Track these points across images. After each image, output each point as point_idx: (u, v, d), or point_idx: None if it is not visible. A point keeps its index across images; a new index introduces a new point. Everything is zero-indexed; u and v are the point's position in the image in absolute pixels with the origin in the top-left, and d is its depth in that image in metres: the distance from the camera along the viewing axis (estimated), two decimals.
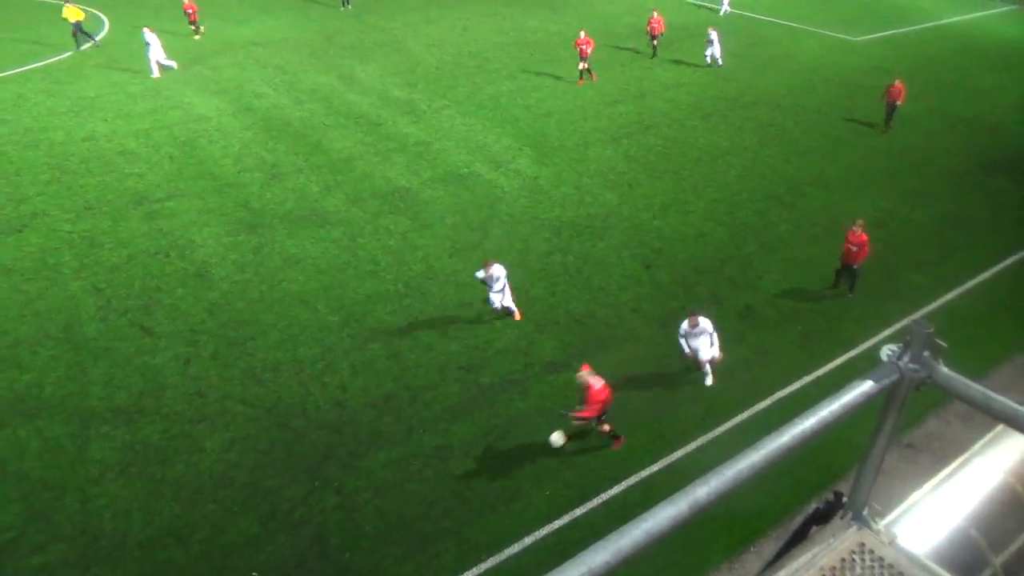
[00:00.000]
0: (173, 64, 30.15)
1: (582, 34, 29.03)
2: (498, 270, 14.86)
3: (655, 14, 32.55)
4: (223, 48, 33.20)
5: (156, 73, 29.31)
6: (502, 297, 15.12)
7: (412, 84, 29.10)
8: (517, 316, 15.56)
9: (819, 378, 14.06)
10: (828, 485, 10.74)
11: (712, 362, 13.64)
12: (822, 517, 3.96)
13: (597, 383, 11.71)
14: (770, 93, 28.66)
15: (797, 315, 15.94)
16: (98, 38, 33.76)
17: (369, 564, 10.48)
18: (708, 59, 31.03)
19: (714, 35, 30.79)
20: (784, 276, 17.27)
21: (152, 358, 14.40)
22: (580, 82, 29.07)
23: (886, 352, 3.08)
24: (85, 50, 32.24)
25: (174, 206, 19.96)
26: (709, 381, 13.81)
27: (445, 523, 11.08)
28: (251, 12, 39.32)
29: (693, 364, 13.83)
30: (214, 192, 20.76)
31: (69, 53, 31.83)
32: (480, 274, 15.00)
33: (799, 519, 3.96)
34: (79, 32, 32.18)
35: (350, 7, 40.22)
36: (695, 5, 42.33)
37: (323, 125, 25.24)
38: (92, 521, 11.11)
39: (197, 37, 34.44)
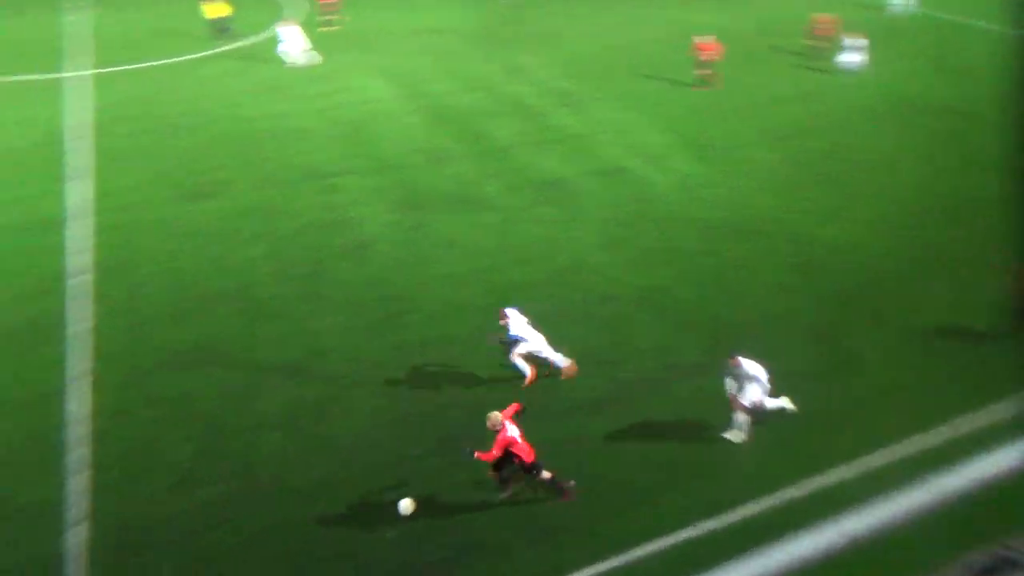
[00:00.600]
0: (305, 56, 30.66)
1: (706, 39, 27.77)
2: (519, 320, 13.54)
3: (823, 16, 30.65)
4: (393, 36, 34.76)
5: (299, 62, 30.43)
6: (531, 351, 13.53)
7: (571, 76, 29.27)
8: (568, 367, 13.66)
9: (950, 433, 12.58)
10: (992, 535, 9.95)
11: (750, 410, 12.21)
12: (987, 573, 3.50)
13: (511, 429, 11.00)
14: (955, 99, 26.48)
15: (954, 352, 14.47)
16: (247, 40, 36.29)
17: (496, 542, 10.79)
18: (842, 64, 28.73)
19: (855, 42, 28.61)
20: (952, 304, 15.76)
21: (316, 322, 15.51)
22: (694, 88, 27.59)
23: None
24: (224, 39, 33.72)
25: (342, 183, 21.29)
26: (730, 434, 12.30)
27: (570, 514, 11.17)
28: (420, 1, 40.85)
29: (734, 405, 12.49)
30: (379, 172, 21.93)
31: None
32: (512, 332, 13.42)
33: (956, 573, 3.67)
34: (221, 28, 33.24)
35: None
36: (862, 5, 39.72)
37: (485, 113, 25.95)
38: (254, 465, 12.15)
39: (328, 28, 34.43)
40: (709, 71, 27.53)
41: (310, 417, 13.07)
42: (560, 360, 13.66)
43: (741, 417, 12.22)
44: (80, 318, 15.58)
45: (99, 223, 19.12)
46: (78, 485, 11.69)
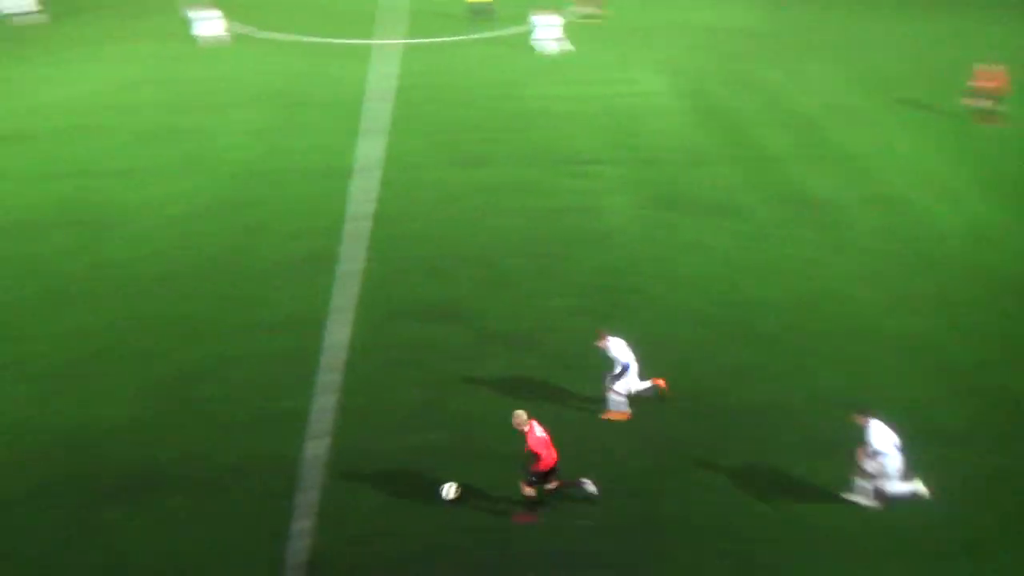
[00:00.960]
0: (559, 45, 31.47)
1: (993, 68, 23.54)
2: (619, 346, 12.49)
3: None
4: (663, 31, 34.34)
5: (553, 51, 31.35)
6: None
7: (862, 91, 27.01)
8: (662, 385, 12.82)
9: None
10: None
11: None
12: None
13: (538, 430, 10.64)
14: None
15: None
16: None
17: (688, 556, 10.44)
18: None
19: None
20: None
21: (548, 300, 15.99)
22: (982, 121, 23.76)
23: None
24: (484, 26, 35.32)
25: (599, 171, 21.63)
26: (856, 497, 10.83)
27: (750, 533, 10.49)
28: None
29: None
30: (637, 165, 21.96)
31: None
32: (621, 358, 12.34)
33: None
34: (480, 12, 35.03)
35: None
36: None
37: (759, 120, 24.87)
38: (475, 423, 12.76)
39: (589, 20, 34.64)
40: (990, 102, 23.77)
41: (523, 388, 13.46)
42: (649, 385, 12.78)
43: (866, 480, 10.82)
44: (351, 258, 17.45)
45: (383, 177, 21.22)
46: (325, 403, 13.17)
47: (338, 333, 14.98)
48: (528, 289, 16.41)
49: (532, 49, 31.95)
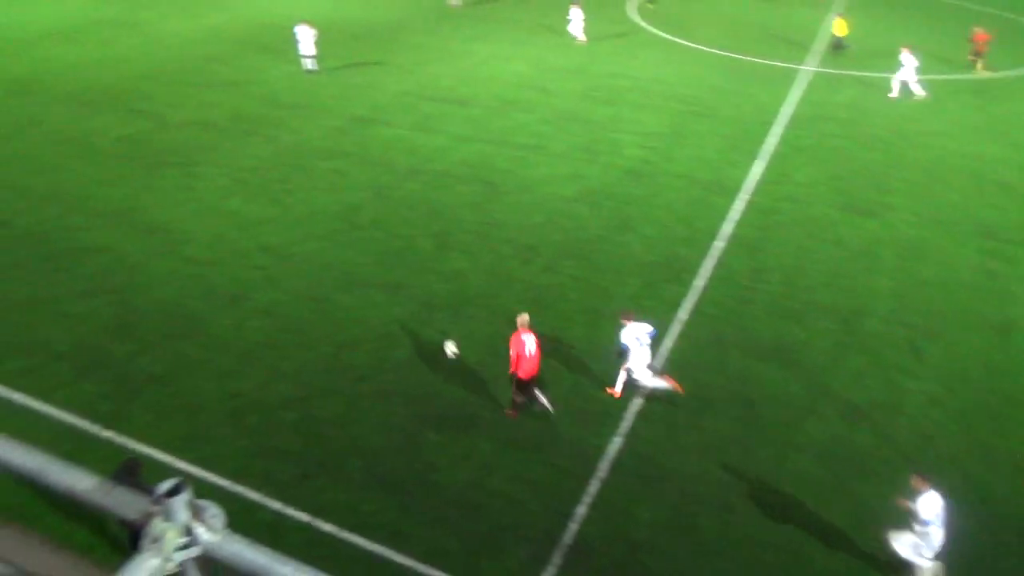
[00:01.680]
0: (921, 92, 28.30)
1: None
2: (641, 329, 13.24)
3: None
4: None
5: (898, 92, 28.38)
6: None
7: None
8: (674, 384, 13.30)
9: None
10: None
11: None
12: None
13: (528, 339, 12.49)
14: None
15: None
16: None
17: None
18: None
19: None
20: None
21: (906, 380, 14.19)
22: None
23: None
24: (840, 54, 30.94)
25: (1016, 253, 18.40)
26: None
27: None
28: None
29: None
30: None
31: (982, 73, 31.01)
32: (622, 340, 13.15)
33: None
34: (839, 46, 33.45)
35: None
36: None
37: None
38: (784, 475, 12.10)
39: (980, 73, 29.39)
40: None
41: (836, 460, 12.26)
42: (662, 382, 13.31)
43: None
44: (699, 274, 17.36)
45: (757, 203, 20.61)
46: (632, 405, 13.48)
47: (670, 342, 15.09)
48: (888, 361, 14.76)
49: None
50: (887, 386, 14.11)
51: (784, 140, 24.76)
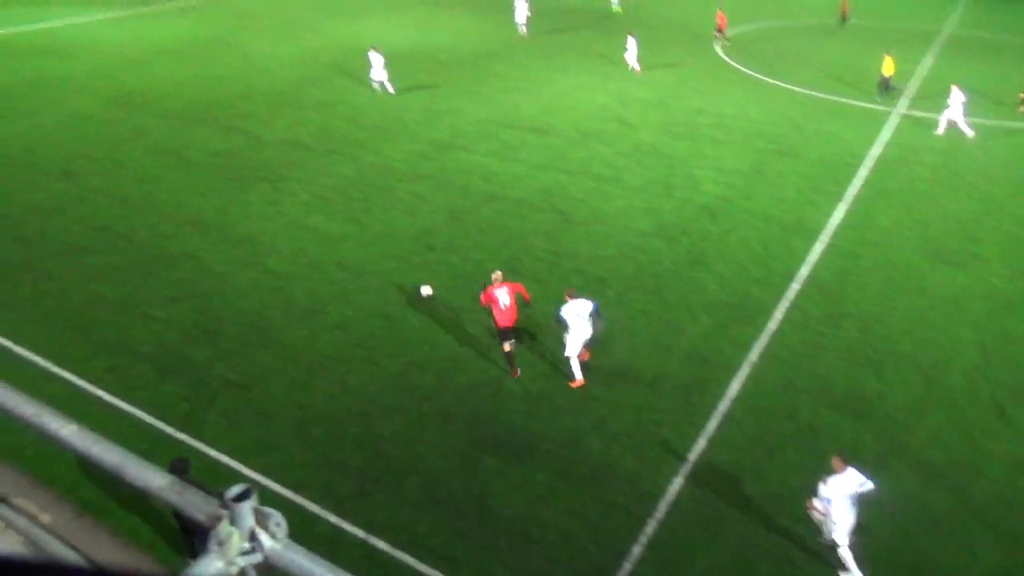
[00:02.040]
0: (969, 132, 27.52)
1: None
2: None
3: None
4: None
5: (943, 129, 28.06)
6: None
7: None
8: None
9: None
10: None
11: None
12: None
13: (501, 294, 13.74)
14: None
15: None
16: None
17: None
18: None
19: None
20: None
21: (989, 442, 13.48)
22: None
23: None
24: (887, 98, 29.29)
25: None
26: None
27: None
28: None
29: None
30: None
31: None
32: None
33: None
34: (886, 87, 31.99)
35: None
36: None
37: None
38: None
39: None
40: None
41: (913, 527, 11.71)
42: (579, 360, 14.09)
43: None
44: (772, 316, 16.96)
45: (836, 245, 20.04)
46: (695, 447, 13.23)
47: (737, 386, 14.77)
48: (970, 419, 14.04)
49: None
50: (967, 445, 13.42)
51: (869, 183, 24.05)
